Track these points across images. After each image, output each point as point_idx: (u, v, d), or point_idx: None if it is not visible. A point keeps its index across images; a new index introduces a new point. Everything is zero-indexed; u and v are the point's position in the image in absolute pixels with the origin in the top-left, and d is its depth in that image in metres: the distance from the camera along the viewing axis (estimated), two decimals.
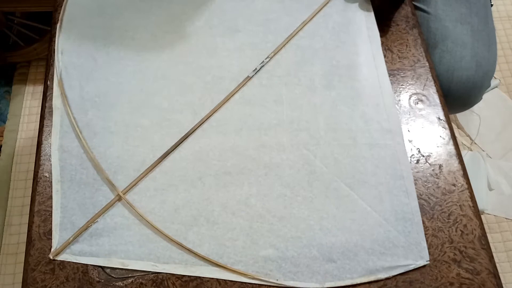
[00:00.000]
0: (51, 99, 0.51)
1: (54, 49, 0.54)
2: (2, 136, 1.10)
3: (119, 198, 0.45)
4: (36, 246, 0.44)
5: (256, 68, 0.50)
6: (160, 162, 0.47)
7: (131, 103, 0.50)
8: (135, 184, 0.46)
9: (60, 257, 0.43)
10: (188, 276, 0.43)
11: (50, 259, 0.43)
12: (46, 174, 0.48)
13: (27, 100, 1.15)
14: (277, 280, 0.42)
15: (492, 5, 0.69)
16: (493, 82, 1.07)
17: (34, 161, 0.49)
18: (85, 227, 0.44)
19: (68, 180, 0.46)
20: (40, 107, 0.52)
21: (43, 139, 0.49)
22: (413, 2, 0.61)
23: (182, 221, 0.45)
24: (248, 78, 0.50)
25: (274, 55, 0.51)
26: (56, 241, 0.44)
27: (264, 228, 0.44)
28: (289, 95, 0.49)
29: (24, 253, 0.44)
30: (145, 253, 0.43)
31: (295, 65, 0.51)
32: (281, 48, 0.52)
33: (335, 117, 0.48)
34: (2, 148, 1.09)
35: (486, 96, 0.68)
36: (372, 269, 0.42)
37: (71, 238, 0.44)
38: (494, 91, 1.11)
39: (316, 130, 0.48)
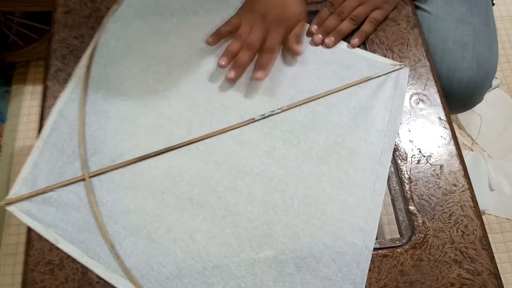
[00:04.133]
0: (50, 99, 0.51)
1: (53, 49, 0.55)
2: (2, 136, 1.10)
3: (83, 178, 0.46)
4: (36, 246, 0.44)
5: (264, 114, 0.50)
6: (135, 162, 0.47)
7: (138, 99, 0.51)
8: (103, 172, 0.47)
9: (9, 208, 0.45)
10: None
11: (50, 260, 0.43)
12: None
13: (27, 100, 1.14)
14: None
15: (493, 4, 0.69)
16: (494, 82, 1.07)
17: None
18: (42, 191, 0.46)
19: (51, 142, 0.48)
20: (40, 107, 0.52)
21: None
22: (414, 2, 0.61)
23: (125, 225, 0.44)
24: (253, 120, 0.50)
25: (287, 109, 0.50)
26: (14, 191, 0.46)
27: (195, 269, 0.42)
28: (282, 152, 0.48)
29: (23, 254, 0.44)
30: (79, 239, 0.44)
31: (302, 126, 0.50)
32: (297, 105, 0.51)
33: (315, 192, 0.46)
34: (1, 148, 1.08)
35: (487, 96, 0.67)
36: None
37: (26, 195, 0.45)
38: (495, 91, 1.10)
39: (290, 197, 0.46)
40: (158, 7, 0.57)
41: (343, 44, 0.55)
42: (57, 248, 0.44)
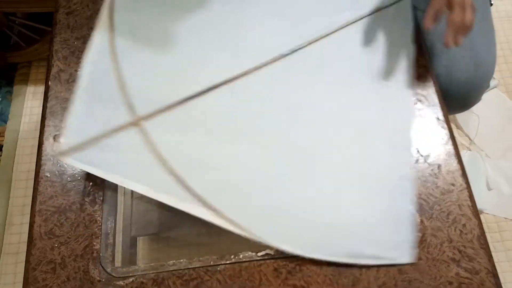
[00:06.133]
0: (52, 100, 0.52)
1: (55, 49, 0.55)
2: (3, 136, 1.10)
3: (134, 123, 0.46)
4: (37, 245, 0.44)
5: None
6: (180, 103, 0.48)
7: (170, 45, 0.51)
8: (151, 115, 0.47)
9: (66, 160, 0.44)
10: (189, 275, 0.43)
11: (52, 259, 0.44)
12: (47, 174, 0.48)
13: (28, 100, 1.15)
14: (260, 237, 0.42)
15: (492, 4, 0.69)
16: (492, 82, 1.07)
17: (35, 161, 0.49)
18: (96, 139, 0.45)
19: (91, 92, 0.48)
20: (41, 108, 0.52)
21: (44, 139, 0.50)
22: (412, 2, 0.61)
23: (184, 161, 0.45)
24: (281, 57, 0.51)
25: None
26: (65, 143, 0.45)
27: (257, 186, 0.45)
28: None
29: (25, 253, 0.45)
30: (144, 177, 0.44)
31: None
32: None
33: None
34: (3, 148, 1.09)
35: (485, 96, 0.68)
36: (357, 253, 0.43)
37: (80, 145, 0.45)
38: (493, 91, 1.10)
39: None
40: None
41: None
42: (59, 247, 0.44)
